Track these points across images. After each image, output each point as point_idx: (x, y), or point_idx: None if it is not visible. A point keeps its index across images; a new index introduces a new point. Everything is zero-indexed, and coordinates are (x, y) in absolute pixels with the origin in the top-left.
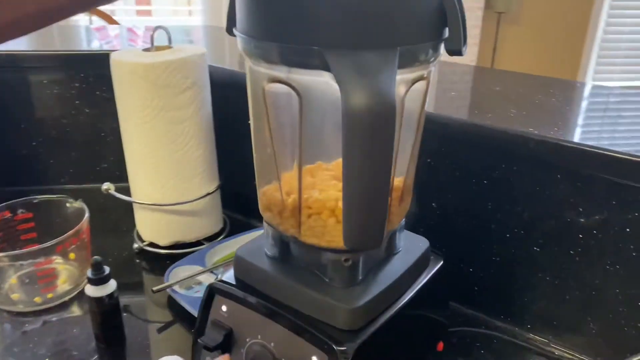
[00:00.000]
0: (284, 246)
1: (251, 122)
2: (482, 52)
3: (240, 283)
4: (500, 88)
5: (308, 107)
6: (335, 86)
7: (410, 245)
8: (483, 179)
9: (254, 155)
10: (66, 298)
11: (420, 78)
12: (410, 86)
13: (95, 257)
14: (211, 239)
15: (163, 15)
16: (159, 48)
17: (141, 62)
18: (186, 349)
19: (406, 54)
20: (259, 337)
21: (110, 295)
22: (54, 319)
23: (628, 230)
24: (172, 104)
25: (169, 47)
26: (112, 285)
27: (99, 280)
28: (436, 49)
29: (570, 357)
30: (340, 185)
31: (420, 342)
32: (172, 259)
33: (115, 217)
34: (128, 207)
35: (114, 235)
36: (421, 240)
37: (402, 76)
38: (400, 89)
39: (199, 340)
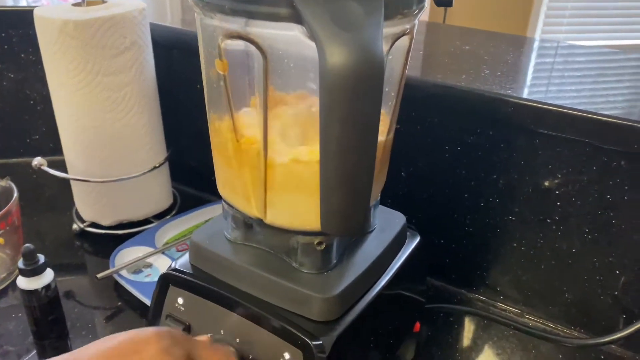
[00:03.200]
0: (247, 229)
1: (204, 86)
2: (434, 9)
3: (198, 272)
4: (470, 47)
5: (274, 69)
6: (309, 42)
7: (386, 222)
8: (456, 146)
9: (210, 125)
10: (1, 286)
11: (404, 33)
12: (393, 42)
13: (27, 245)
14: (160, 216)
15: None
16: (90, 3)
17: (71, 19)
18: None
19: (390, 4)
20: (222, 332)
21: (47, 287)
22: None
23: (608, 197)
24: (109, 67)
25: (102, 1)
26: (48, 275)
27: (32, 271)
28: (421, 0)
29: (544, 326)
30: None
31: (397, 325)
32: (118, 240)
33: (50, 196)
34: (64, 184)
35: (49, 216)
36: (397, 216)
37: (386, 30)
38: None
39: None
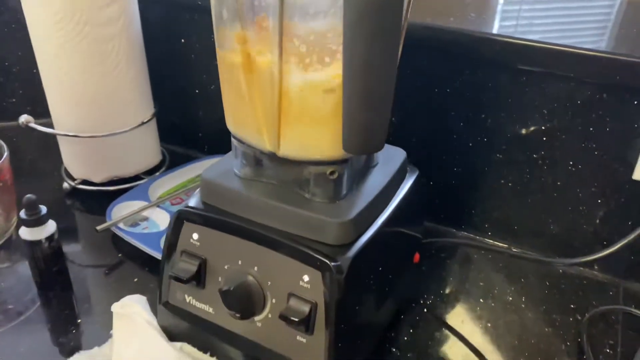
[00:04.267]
0: (257, 164)
1: (213, 17)
2: None
3: (210, 208)
4: None
5: None
6: None
7: (388, 157)
8: (446, 87)
9: (219, 60)
10: None
11: None
12: None
13: (28, 195)
14: (150, 173)
15: None
16: None
17: None
18: (141, 288)
19: None
20: (240, 262)
21: (50, 238)
22: None
23: (591, 129)
24: (97, 18)
25: None
26: (50, 226)
27: (35, 221)
28: None
29: (530, 257)
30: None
31: (401, 254)
32: (110, 197)
33: (33, 157)
34: (47, 145)
35: (35, 177)
36: (398, 152)
37: None
38: None
39: (170, 273)
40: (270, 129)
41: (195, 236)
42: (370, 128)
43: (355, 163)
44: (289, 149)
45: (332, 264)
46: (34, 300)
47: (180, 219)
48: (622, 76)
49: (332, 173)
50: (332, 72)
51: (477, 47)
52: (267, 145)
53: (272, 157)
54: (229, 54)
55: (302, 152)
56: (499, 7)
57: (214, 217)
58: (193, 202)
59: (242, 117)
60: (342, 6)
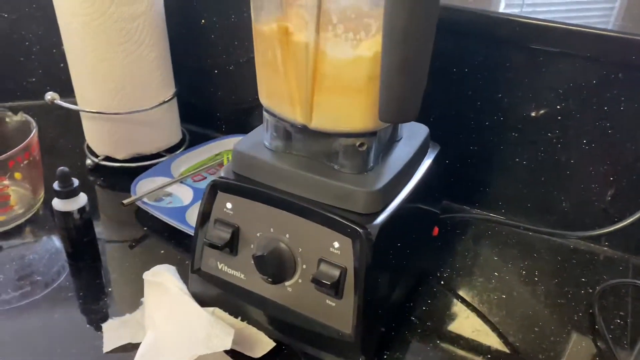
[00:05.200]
0: (287, 137)
1: None
2: None
3: (243, 178)
4: None
5: None
6: None
7: (411, 132)
8: (464, 67)
9: (254, 34)
10: (21, 220)
11: None
12: None
13: (62, 167)
14: (171, 151)
15: None
16: None
17: None
18: (168, 259)
19: None
20: (271, 229)
21: (82, 210)
22: (11, 243)
23: (606, 108)
24: None
25: None
26: (82, 198)
27: (68, 193)
28: None
29: (543, 231)
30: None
31: (421, 227)
32: (132, 173)
33: (55, 135)
34: (69, 123)
35: (57, 154)
36: (421, 127)
37: None
38: None
39: (205, 240)
40: (304, 102)
41: (228, 205)
42: (407, 97)
43: (382, 136)
44: (320, 121)
45: (362, 230)
46: (65, 270)
47: (214, 189)
48: (638, 56)
49: (361, 145)
50: (367, 45)
51: (495, 28)
52: (299, 117)
53: (303, 129)
54: (266, 28)
55: (334, 124)
56: None
57: (246, 186)
58: (225, 173)
59: (275, 90)
60: None
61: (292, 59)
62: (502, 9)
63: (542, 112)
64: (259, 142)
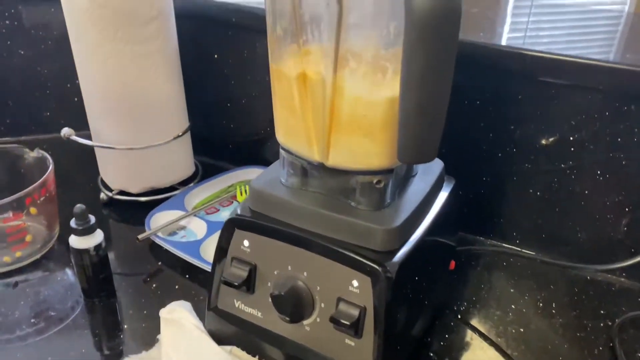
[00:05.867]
0: (304, 174)
1: (268, 34)
2: None
3: (260, 215)
4: (477, 9)
5: (348, 12)
6: None
7: (427, 167)
8: (476, 100)
9: (272, 74)
10: (37, 256)
11: None
12: None
13: (79, 204)
14: (184, 183)
15: None
16: None
17: None
18: (183, 295)
19: None
20: (289, 267)
21: (98, 246)
22: (26, 279)
23: (619, 140)
24: (138, 35)
25: None
26: (99, 235)
27: (85, 230)
28: None
29: (561, 264)
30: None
31: (438, 262)
32: (146, 207)
33: (69, 168)
34: (83, 157)
35: (71, 187)
36: (436, 161)
37: None
38: None
39: (222, 278)
40: (320, 140)
41: (245, 243)
42: (425, 139)
43: (398, 172)
44: (337, 159)
45: (381, 269)
46: (80, 306)
47: (231, 227)
48: None
49: (378, 182)
50: (384, 86)
51: (506, 61)
52: (316, 155)
53: (320, 167)
54: (283, 68)
55: (351, 162)
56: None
57: (263, 224)
58: (242, 210)
59: (292, 128)
60: (397, 26)
61: (310, 99)
62: (505, 33)
63: (555, 143)
64: (275, 178)
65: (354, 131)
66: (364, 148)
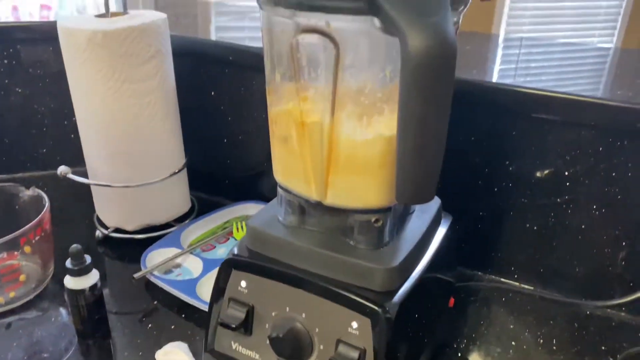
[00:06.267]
0: (302, 213)
1: (267, 77)
2: None
3: (257, 255)
4: (470, 47)
5: (342, 57)
6: (377, 33)
7: (424, 205)
8: (471, 135)
9: (270, 114)
10: (31, 296)
11: (456, 26)
12: None
13: (75, 245)
14: (180, 220)
15: None
16: (114, 14)
17: (101, 30)
18: (179, 335)
19: None
20: (287, 309)
21: (94, 287)
22: (19, 319)
23: (614, 174)
24: (135, 74)
25: (125, 12)
26: (94, 275)
27: (80, 270)
28: None
29: (561, 300)
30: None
31: (438, 299)
32: (141, 244)
33: (64, 205)
34: (78, 193)
35: (66, 225)
36: (433, 199)
37: None
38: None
39: (219, 320)
40: (319, 179)
41: (243, 283)
42: (423, 180)
43: (396, 210)
44: (335, 198)
45: (381, 310)
46: (73, 347)
47: (228, 267)
48: None
49: (376, 221)
50: (381, 127)
51: (499, 98)
52: (314, 194)
53: (318, 206)
54: (281, 111)
55: (349, 201)
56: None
57: (261, 264)
58: (239, 250)
59: (290, 167)
60: (393, 68)
61: (308, 140)
62: (497, 69)
63: (550, 178)
64: (272, 217)
65: (352, 170)
66: (362, 187)
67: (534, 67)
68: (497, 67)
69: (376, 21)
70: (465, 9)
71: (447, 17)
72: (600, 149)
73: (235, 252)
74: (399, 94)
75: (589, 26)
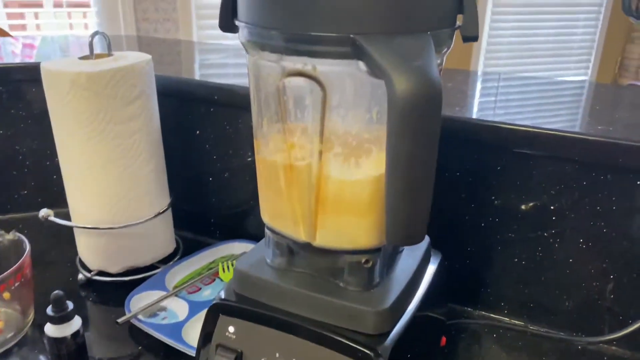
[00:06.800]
0: (290, 254)
1: (253, 118)
2: None
3: (245, 299)
4: (451, 84)
5: (329, 99)
6: (364, 75)
7: None
8: (455, 172)
9: (257, 155)
10: (9, 345)
11: (439, 68)
12: None
13: (56, 291)
14: (165, 261)
15: (35, 29)
16: (98, 56)
17: (85, 72)
18: None
19: (434, 39)
20: (277, 354)
21: (76, 334)
22: None
23: (599, 208)
24: (120, 116)
25: (109, 54)
26: (76, 322)
27: (62, 318)
28: (451, 37)
29: (551, 336)
30: (363, 174)
31: (430, 339)
32: (126, 287)
33: (46, 248)
34: (60, 235)
35: (48, 268)
36: None
37: None
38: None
39: None
40: (307, 221)
41: (231, 329)
42: (413, 221)
43: (386, 250)
44: (324, 239)
45: (373, 354)
46: None
47: (215, 312)
48: (625, 159)
49: (366, 261)
50: (369, 168)
51: (482, 134)
52: (302, 236)
53: (307, 247)
54: (268, 154)
55: (338, 242)
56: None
57: (249, 309)
58: (227, 294)
59: (278, 209)
60: (379, 109)
61: (296, 181)
62: (476, 105)
63: (536, 212)
64: (260, 259)
65: (341, 211)
66: (352, 227)
67: (513, 99)
68: (476, 102)
69: (361, 65)
70: (449, 51)
71: (432, 60)
72: (585, 183)
73: (223, 296)
74: (387, 136)
75: (564, 59)
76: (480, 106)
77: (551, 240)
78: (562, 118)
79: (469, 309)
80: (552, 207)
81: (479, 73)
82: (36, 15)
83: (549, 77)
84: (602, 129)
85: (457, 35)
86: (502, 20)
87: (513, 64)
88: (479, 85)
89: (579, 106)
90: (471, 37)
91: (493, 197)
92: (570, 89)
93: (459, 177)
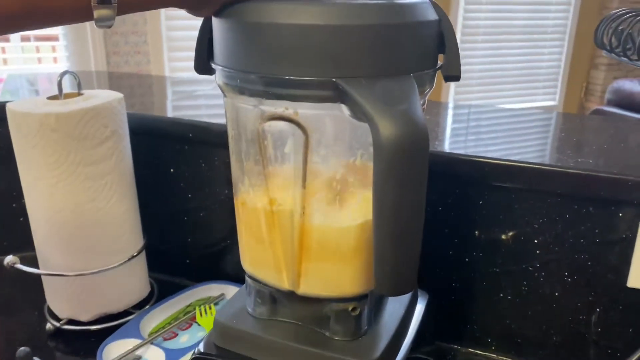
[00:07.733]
0: (273, 303)
1: (232, 164)
2: None
3: (226, 352)
4: (429, 117)
5: (311, 142)
6: (348, 118)
7: None
8: (438, 206)
9: (236, 203)
10: None
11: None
12: None
13: (23, 347)
14: (139, 306)
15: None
16: (68, 95)
17: (53, 112)
18: None
19: (416, 81)
20: None
21: None
22: None
23: (582, 241)
24: (90, 157)
25: (79, 93)
26: None
27: None
28: (434, 77)
29: None
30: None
31: None
32: (98, 336)
33: (11, 295)
34: (27, 282)
35: (14, 316)
36: None
37: None
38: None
39: None
40: (290, 268)
41: None
42: (402, 270)
43: (373, 296)
44: (309, 287)
45: None
46: None
47: None
48: (606, 191)
49: (354, 309)
50: (354, 214)
51: (462, 168)
52: (286, 283)
53: (290, 295)
54: (248, 198)
55: (323, 289)
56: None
57: None
58: (206, 347)
59: (260, 257)
60: (363, 153)
61: (278, 228)
62: (447, 136)
63: (520, 246)
64: (241, 308)
65: (326, 258)
66: (337, 274)
67: (484, 131)
68: (450, 133)
69: (344, 108)
70: (431, 91)
71: (416, 103)
72: (567, 216)
73: (202, 349)
74: (373, 181)
75: (532, 85)
76: (454, 139)
77: (536, 274)
78: (532, 149)
79: (456, 346)
80: (535, 241)
81: (450, 104)
82: (3, 50)
83: (518, 105)
84: (582, 161)
85: (438, 74)
86: (471, 49)
87: (484, 91)
88: (449, 117)
89: (547, 135)
90: (453, 76)
91: (476, 232)
92: (539, 119)
93: (442, 211)
